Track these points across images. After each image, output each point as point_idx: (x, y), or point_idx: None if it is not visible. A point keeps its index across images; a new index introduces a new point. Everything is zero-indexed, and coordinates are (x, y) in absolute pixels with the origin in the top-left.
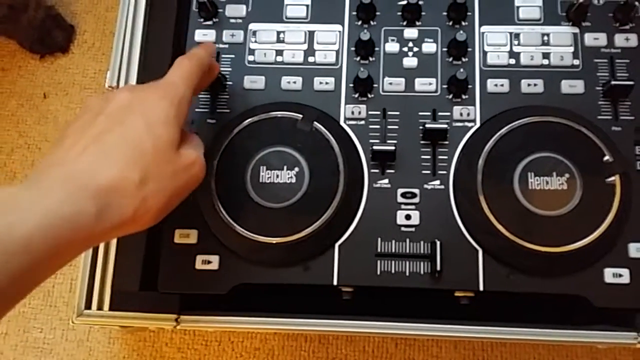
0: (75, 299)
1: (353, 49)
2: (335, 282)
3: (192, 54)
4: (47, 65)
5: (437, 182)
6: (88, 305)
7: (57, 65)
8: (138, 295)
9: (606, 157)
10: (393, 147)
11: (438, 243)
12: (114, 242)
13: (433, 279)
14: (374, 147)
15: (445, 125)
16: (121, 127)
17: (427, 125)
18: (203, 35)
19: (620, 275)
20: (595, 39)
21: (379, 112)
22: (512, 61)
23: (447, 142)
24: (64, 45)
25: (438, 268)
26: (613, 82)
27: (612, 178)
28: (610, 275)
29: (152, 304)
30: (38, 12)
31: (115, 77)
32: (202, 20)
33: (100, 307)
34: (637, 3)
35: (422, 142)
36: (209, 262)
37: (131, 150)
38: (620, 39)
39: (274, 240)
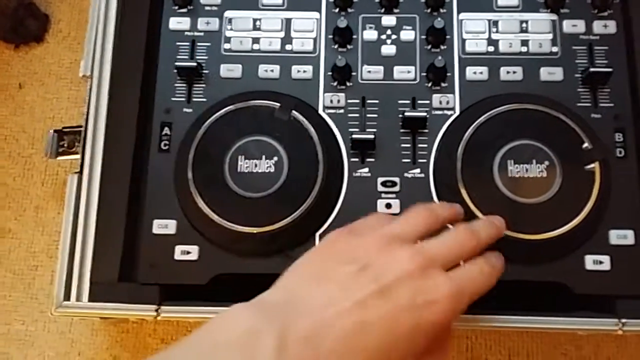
0: (54, 290)
1: (331, 36)
2: None
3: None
4: (22, 54)
5: (417, 170)
6: (67, 297)
7: (32, 55)
8: (117, 286)
9: (585, 145)
10: (372, 136)
11: None
12: (92, 233)
13: None
14: (354, 136)
15: (425, 114)
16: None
17: (406, 114)
18: (178, 23)
19: (601, 262)
20: (573, 25)
21: (358, 101)
22: (491, 49)
23: (426, 131)
24: (38, 35)
25: None
26: (592, 69)
27: (592, 165)
28: (590, 262)
29: (132, 295)
30: (11, 1)
31: (89, 66)
32: (176, 7)
33: (79, 299)
34: None
35: (401, 130)
36: (188, 253)
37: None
38: (598, 26)
39: (254, 230)
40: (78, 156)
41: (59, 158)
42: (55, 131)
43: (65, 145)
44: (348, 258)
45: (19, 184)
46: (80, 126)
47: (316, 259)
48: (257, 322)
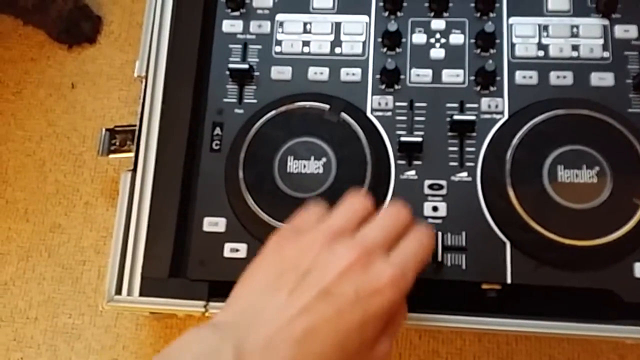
0: (106, 284)
1: (380, 40)
2: None
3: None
4: (75, 55)
5: (465, 174)
6: (118, 291)
7: (85, 56)
8: (168, 282)
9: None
10: (420, 139)
11: (440, 234)
12: (143, 229)
13: (460, 271)
14: (401, 139)
15: (473, 117)
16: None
17: (454, 117)
18: (231, 25)
19: None
20: (625, 31)
21: (406, 104)
22: (541, 53)
23: (474, 134)
24: (91, 36)
25: (439, 259)
26: None
27: None
28: None
29: (182, 291)
30: (67, 3)
31: (144, 67)
32: (229, 10)
33: (130, 293)
34: None
35: (449, 134)
36: (237, 250)
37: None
38: None
39: None
40: (129, 154)
41: (111, 156)
42: (107, 129)
43: (117, 143)
44: (292, 264)
45: (70, 181)
46: (132, 125)
47: (264, 267)
48: (213, 342)
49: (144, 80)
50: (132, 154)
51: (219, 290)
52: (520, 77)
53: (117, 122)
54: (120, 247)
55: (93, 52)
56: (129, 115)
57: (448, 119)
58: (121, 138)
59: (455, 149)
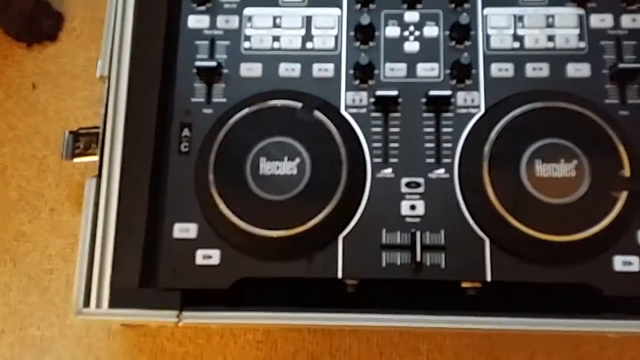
0: (73, 296)
1: (352, 33)
2: (339, 275)
3: None
4: (35, 54)
5: (442, 170)
6: (86, 303)
7: (46, 54)
8: (138, 292)
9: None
10: (396, 92)
11: (418, 233)
12: (111, 237)
13: (439, 270)
14: (377, 93)
15: (449, 92)
16: None
17: (430, 92)
18: (197, 21)
19: (630, 263)
20: (601, 20)
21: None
22: (516, 44)
23: (451, 130)
24: (52, 34)
25: (418, 259)
26: (620, 65)
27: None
28: (620, 263)
29: (153, 301)
30: (27, 1)
31: (106, 66)
32: (195, 5)
33: (99, 305)
34: None
35: (425, 130)
36: (210, 257)
37: None
38: (627, 20)
39: (276, 233)
40: (94, 158)
41: (75, 160)
42: (70, 132)
43: (82, 146)
44: None
45: (33, 186)
46: (97, 127)
47: None
48: None
49: (107, 81)
50: (96, 158)
51: (192, 298)
52: (496, 69)
53: (82, 123)
54: (87, 257)
55: (54, 50)
56: (94, 116)
57: (424, 115)
58: (85, 141)
59: (432, 145)
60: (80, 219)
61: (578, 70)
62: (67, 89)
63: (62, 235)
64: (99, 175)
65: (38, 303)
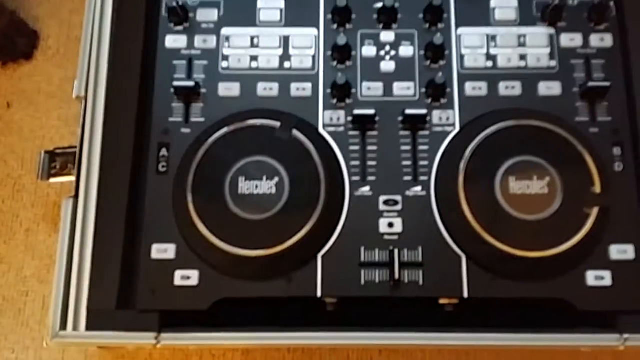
0: (50, 319)
1: (330, 53)
2: (319, 294)
3: None
4: (10, 73)
5: (419, 188)
6: (63, 326)
7: (21, 73)
8: (115, 314)
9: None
10: (373, 111)
11: (396, 251)
12: (88, 258)
13: (417, 287)
14: (354, 112)
15: (425, 111)
16: None
17: (406, 111)
18: (174, 41)
19: (602, 278)
20: (571, 39)
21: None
22: (490, 64)
23: (427, 147)
24: (27, 52)
25: (396, 276)
26: (590, 84)
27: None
28: (592, 278)
29: (131, 323)
30: (1, 20)
31: (83, 86)
32: (172, 25)
33: (76, 327)
34: (611, 3)
35: (402, 148)
36: (188, 278)
37: None
38: (595, 39)
39: (255, 253)
40: (71, 178)
41: (52, 180)
42: (46, 152)
43: (58, 166)
44: None
45: (8, 207)
46: (73, 147)
47: None
48: None
49: (83, 101)
50: (73, 178)
51: (171, 320)
52: (470, 88)
53: (58, 142)
54: (63, 278)
55: (29, 68)
56: (70, 135)
57: (401, 133)
58: (62, 161)
59: (409, 163)
60: (56, 239)
61: (549, 88)
62: (42, 108)
63: (38, 256)
64: (76, 196)
65: (12, 326)
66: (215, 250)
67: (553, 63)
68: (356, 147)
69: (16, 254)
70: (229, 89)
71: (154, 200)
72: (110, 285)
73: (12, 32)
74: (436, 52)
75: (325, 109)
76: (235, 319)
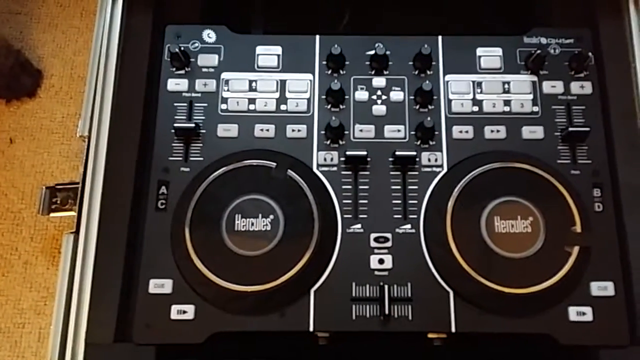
0: (48, 352)
1: (324, 97)
2: (311, 328)
3: None
4: (14, 109)
5: (409, 226)
6: (61, 359)
7: (24, 110)
8: (113, 347)
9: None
10: (365, 152)
11: (386, 287)
12: (87, 293)
13: (407, 322)
14: (347, 152)
15: (414, 152)
16: None
17: (397, 153)
18: (176, 84)
19: (584, 314)
20: (552, 86)
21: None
22: (476, 108)
23: (416, 187)
24: (31, 90)
25: (387, 311)
26: (571, 129)
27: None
28: (574, 313)
29: (128, 356)
30: (8, 59)
31: (87, 126)
32: (174, 69)
33: None
34: (590, 53)
35: (393, 187)
36: (185, 312)
37: None
38: (575, 87)
39: (250, 288)
40: (71, 213)
41: (52, 215)
42: (47, 188)
43: (59, 202)
44: None
45: (8, 240)
46: (74, 183)
47: None
48: None
49: (86, 140)
50: (74, 213)
51: (167, 353)
52: (457, 131)
53: (58, 177)
54: (62, 312)
55: (33, 106)
56: (70, 170)
57: (391, 173)
58: (62, 196)
59: (399, 201)
60: (53, 272)
61: (532, 132)
62: (44, 144)
63: (35, 288)
64: (77, 231)
65: (9, 357)
66: (211, 286)
67: (536, 108)
68: (348, 186)
69: (14, 286)
70: (227, 130)
71: (153, 236)
72: (108, 319)
73: (18, 71)
74: (425, 97)
75: (319, 149)
76: (230, 352)
